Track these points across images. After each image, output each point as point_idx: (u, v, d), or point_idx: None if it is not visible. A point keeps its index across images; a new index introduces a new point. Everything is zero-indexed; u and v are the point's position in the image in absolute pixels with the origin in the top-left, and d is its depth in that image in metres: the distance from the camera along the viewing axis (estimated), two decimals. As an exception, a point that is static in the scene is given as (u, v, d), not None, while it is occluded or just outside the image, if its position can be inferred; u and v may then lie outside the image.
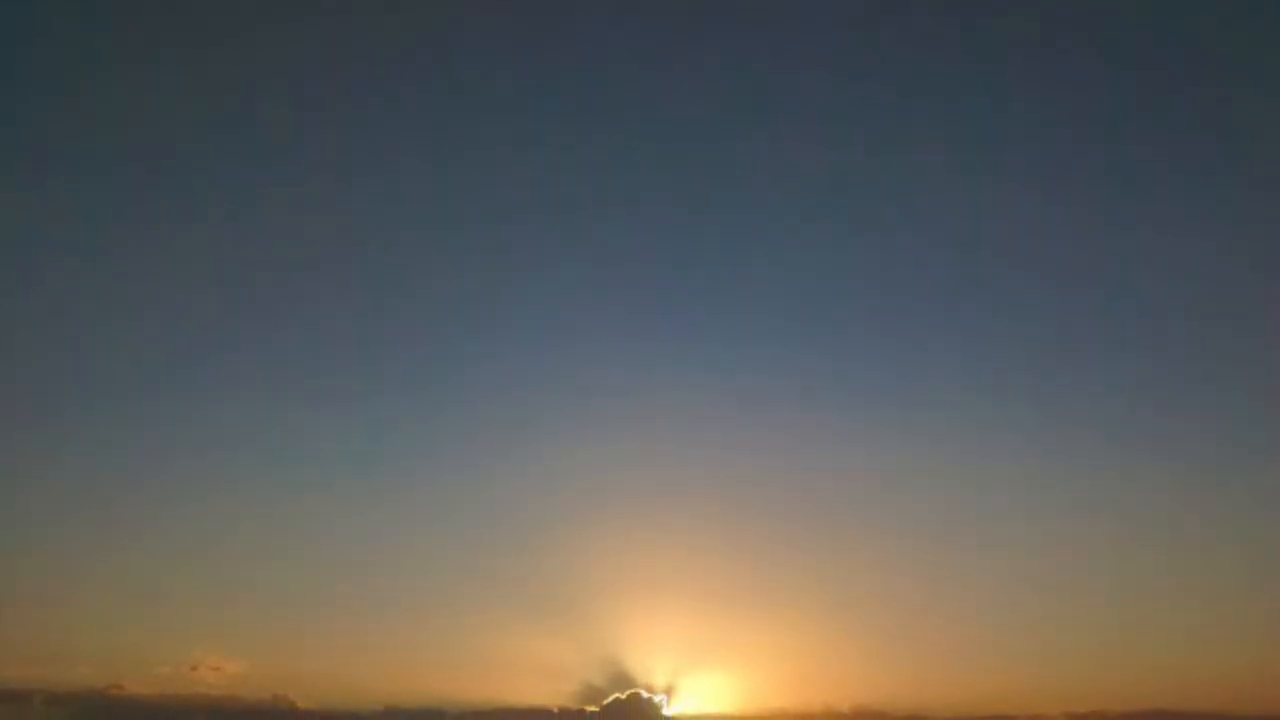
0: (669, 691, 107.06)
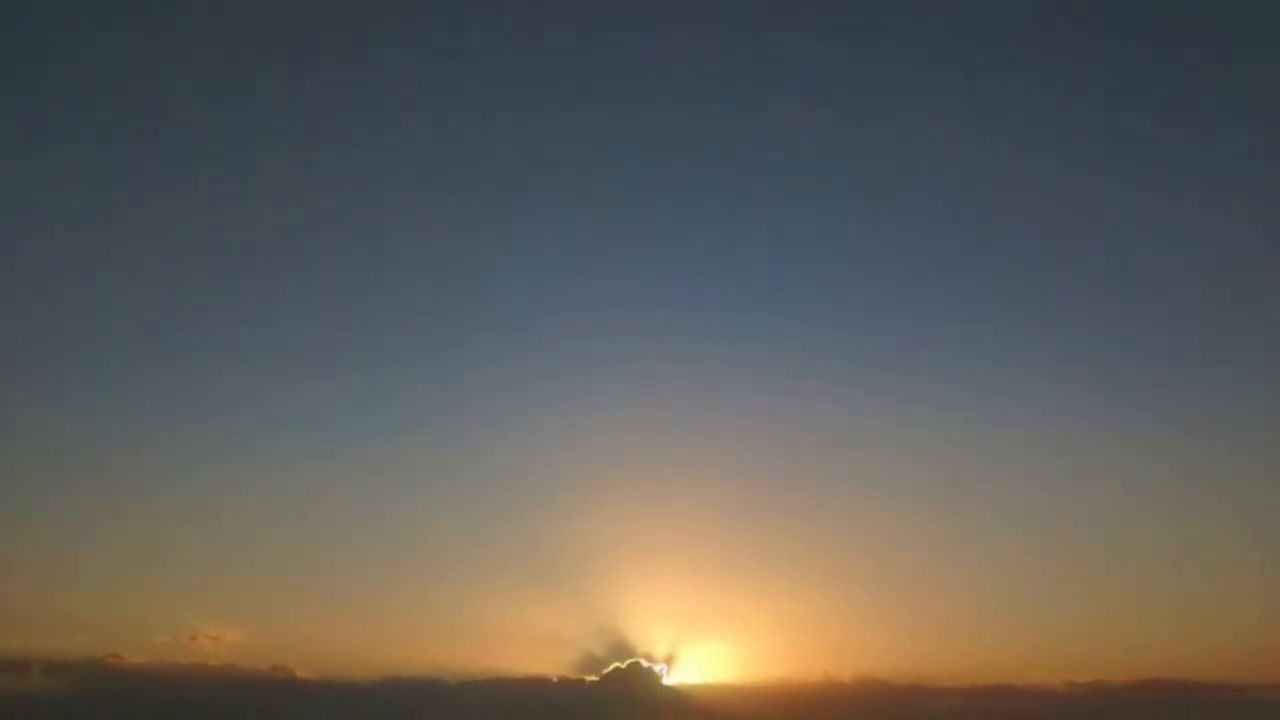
0: (669, 660, 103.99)
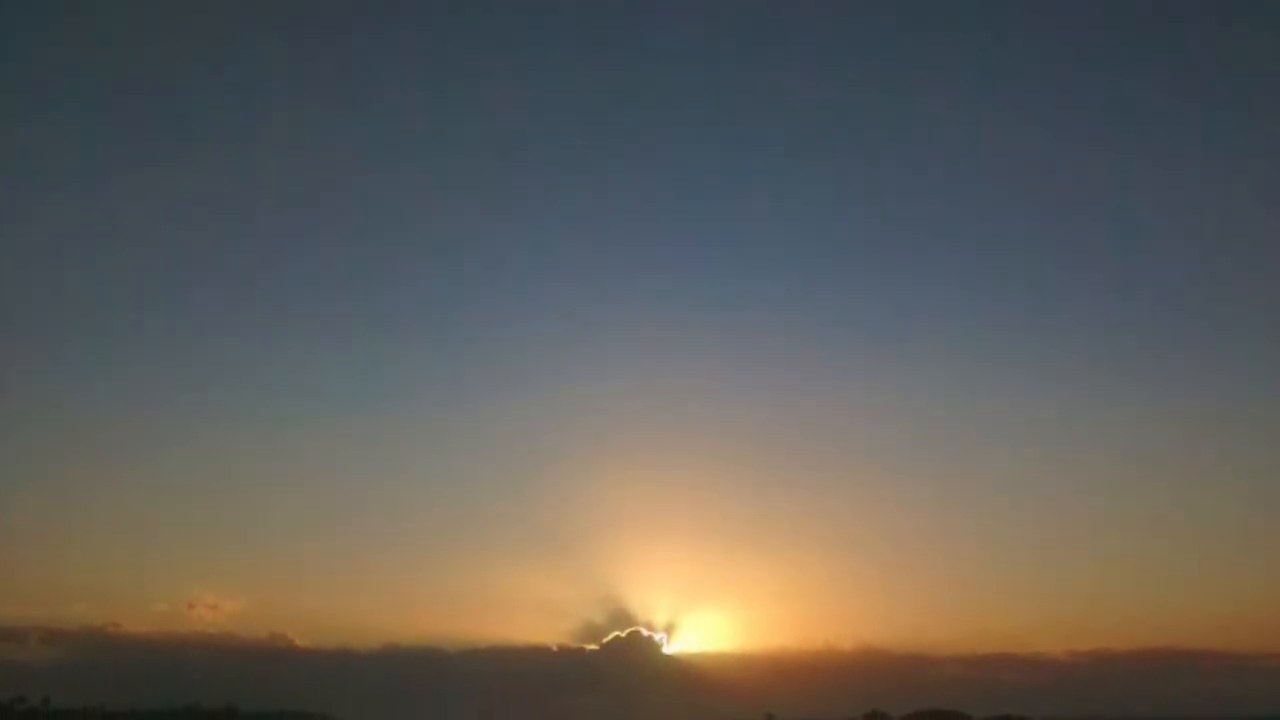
0: (669, 629, 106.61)
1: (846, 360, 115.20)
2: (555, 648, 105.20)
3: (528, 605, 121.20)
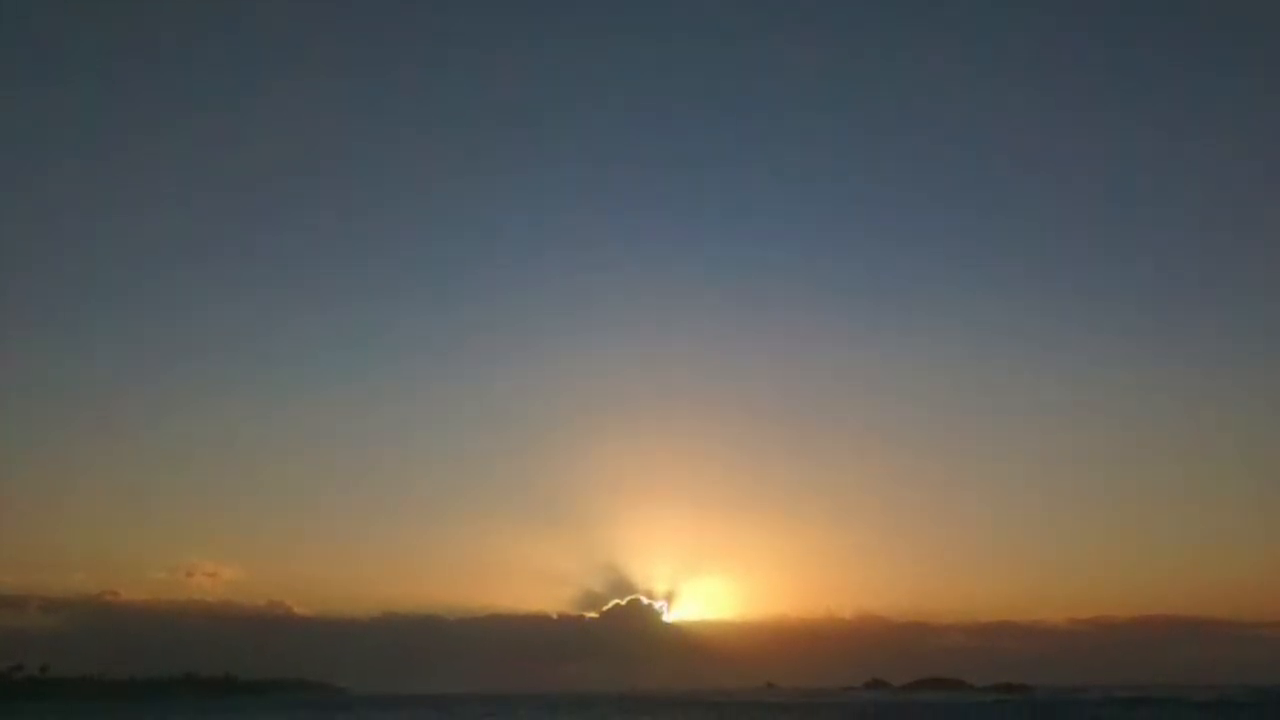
0: (669, 597, 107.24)
1: (847, 328, 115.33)
2: (555, 615, 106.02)
3: (527, 573, 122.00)
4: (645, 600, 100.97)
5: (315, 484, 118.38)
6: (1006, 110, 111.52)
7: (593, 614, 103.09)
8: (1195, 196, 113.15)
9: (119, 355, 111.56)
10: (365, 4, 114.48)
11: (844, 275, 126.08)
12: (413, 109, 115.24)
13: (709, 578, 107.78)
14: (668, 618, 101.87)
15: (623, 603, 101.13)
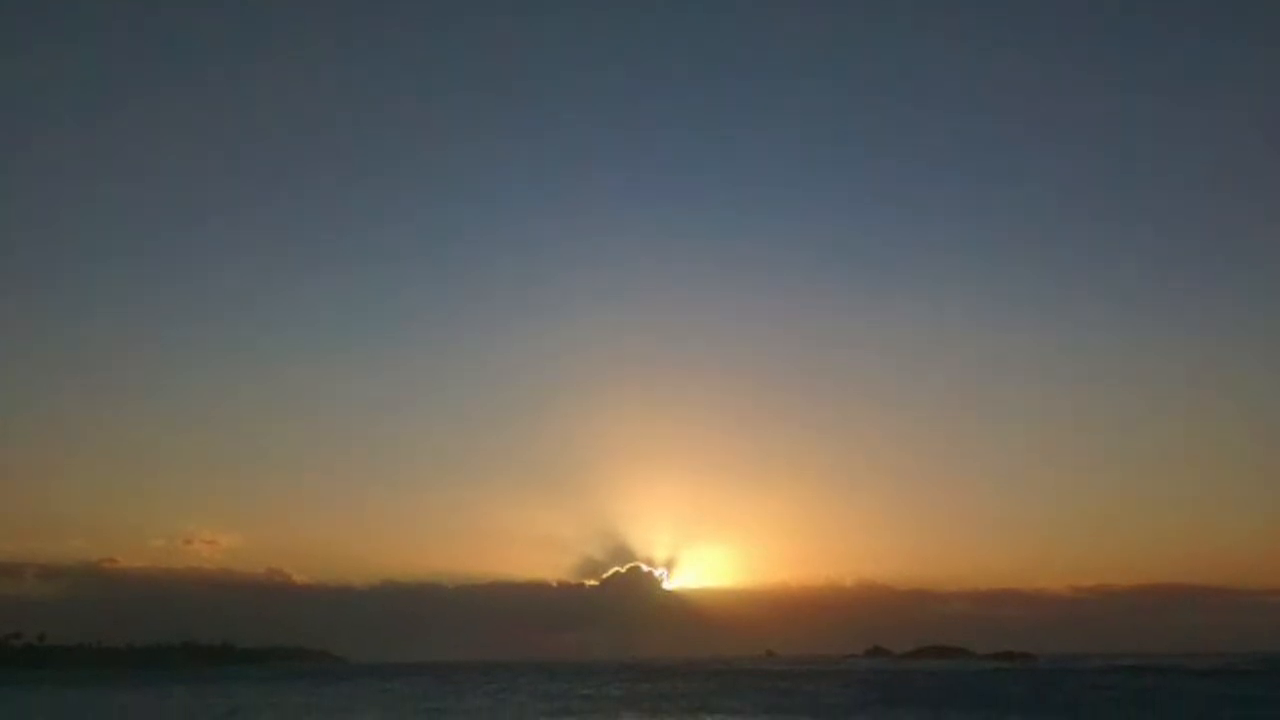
0: (669, 565, 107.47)
1: (848, 294, 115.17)
2: (554, 583, 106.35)
3: (527, 540, 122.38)
4: (645, 568, 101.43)
5: (315, 451, 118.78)
6: (1007, 77, 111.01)
7: (593, 582, 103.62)
8: (1197, 163, 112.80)
9: (117, 321, 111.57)
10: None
11: (844, 241, 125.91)
12: (411, 74, 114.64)
13: (709, 545, 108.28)
14: (668, 585, 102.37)
15: (623, 570, 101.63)
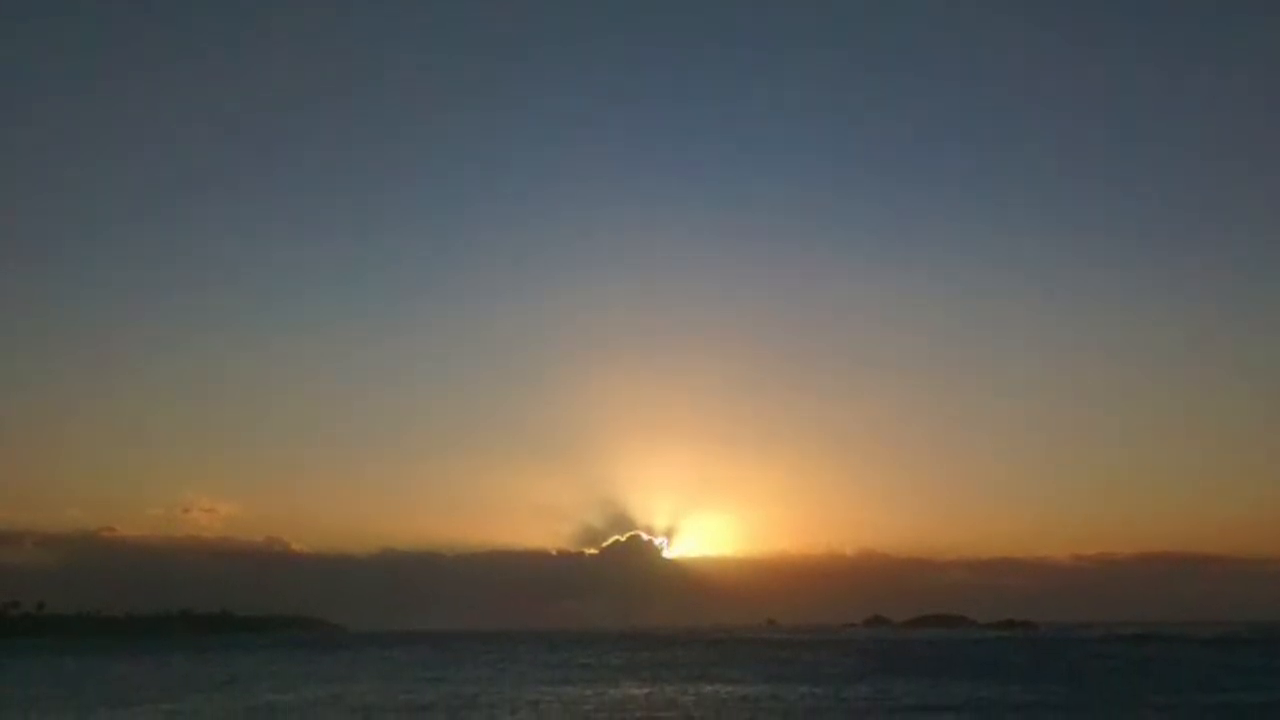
0: (669, 534, 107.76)
1: (849, 262, 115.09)
2: (554, 552, 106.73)
3: (526, 509, 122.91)
4: (645, 536, 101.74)
5: (314, 419, 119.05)
6: (1007, 43, 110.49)
7: (592, 550, 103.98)
8: (1197, 129, 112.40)
9: (116, 291, 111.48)
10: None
11: (846, 209, 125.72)
12: (413, 42, 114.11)
13: (710, 514, 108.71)
14: (668, 554, 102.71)
15: (623, 539, 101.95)
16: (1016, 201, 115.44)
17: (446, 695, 18.33)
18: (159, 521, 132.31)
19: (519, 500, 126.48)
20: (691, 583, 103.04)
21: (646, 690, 19.31)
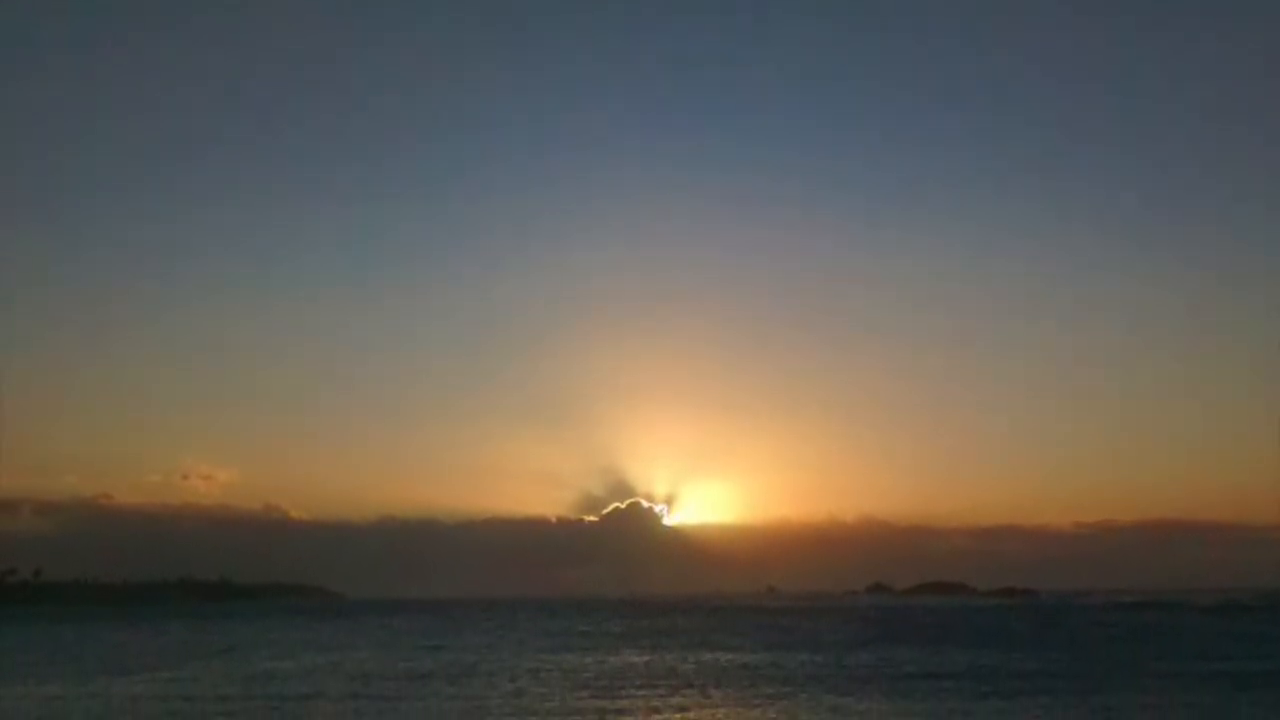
0: (669, 501, 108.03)
1: (849, 228, 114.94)
2: (554, 519, 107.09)
3: (526, 476, 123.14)
4: (645, 504, 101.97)
5: (312, 386, 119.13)
6: (1007, 9, 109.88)
7: (592, 517, 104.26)
8: (1198, 97, 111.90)
9: (113, 255, 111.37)
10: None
11: (845, 175, 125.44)
12: (410, 9, 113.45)
13: (710, 481, 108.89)
14: (668, 521, 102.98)
15: (623, 506, 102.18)
16: (1017, 168, 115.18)
17: (446, 663, 18.42)
18: (157, 488, 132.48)
19: (519, 467, 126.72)
20: (692, 550, 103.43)
21: (646, 658, 19.40)
